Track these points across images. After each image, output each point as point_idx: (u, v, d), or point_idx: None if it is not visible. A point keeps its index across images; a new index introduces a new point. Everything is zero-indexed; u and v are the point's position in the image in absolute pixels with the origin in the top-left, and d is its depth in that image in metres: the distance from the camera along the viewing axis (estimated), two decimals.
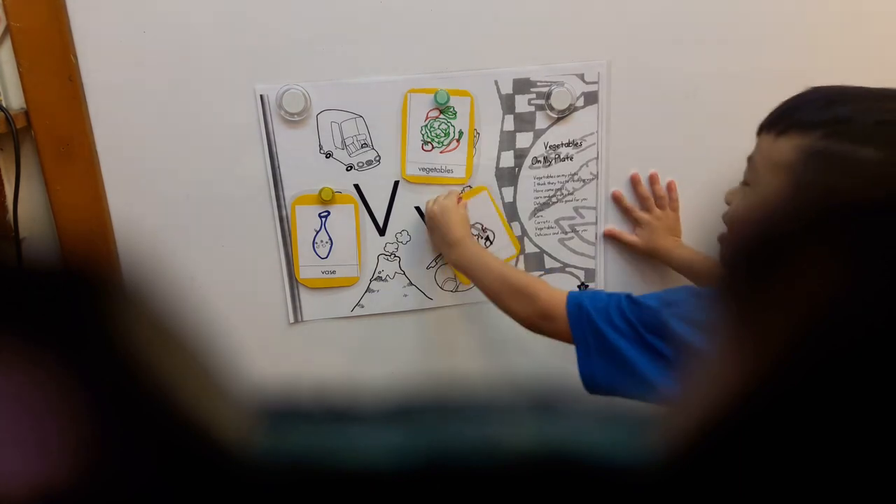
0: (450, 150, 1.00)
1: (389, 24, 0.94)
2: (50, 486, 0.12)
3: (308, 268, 1.02)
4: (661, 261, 1.04)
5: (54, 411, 0.12)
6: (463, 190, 1.02)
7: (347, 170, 0.99)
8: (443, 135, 0.99)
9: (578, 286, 1.09)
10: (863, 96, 0.60)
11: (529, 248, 1.06)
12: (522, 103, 0.99)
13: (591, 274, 1.08)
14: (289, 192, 0.99)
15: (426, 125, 0.98)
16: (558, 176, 1.03)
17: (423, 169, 1.00)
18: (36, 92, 0.91)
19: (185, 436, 0.13)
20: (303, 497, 0.13)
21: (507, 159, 1.01)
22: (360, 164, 0.99)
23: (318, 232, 1.01)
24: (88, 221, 0.95)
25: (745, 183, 0.71)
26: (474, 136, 1.00)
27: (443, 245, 0.98)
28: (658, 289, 0.97)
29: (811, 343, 0.11)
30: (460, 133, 0.99)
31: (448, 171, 1.01)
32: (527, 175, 1.02)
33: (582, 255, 1.07)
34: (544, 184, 1.03)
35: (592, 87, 1.00)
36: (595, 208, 1.05)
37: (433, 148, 0.99)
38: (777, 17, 1.00)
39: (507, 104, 0.99)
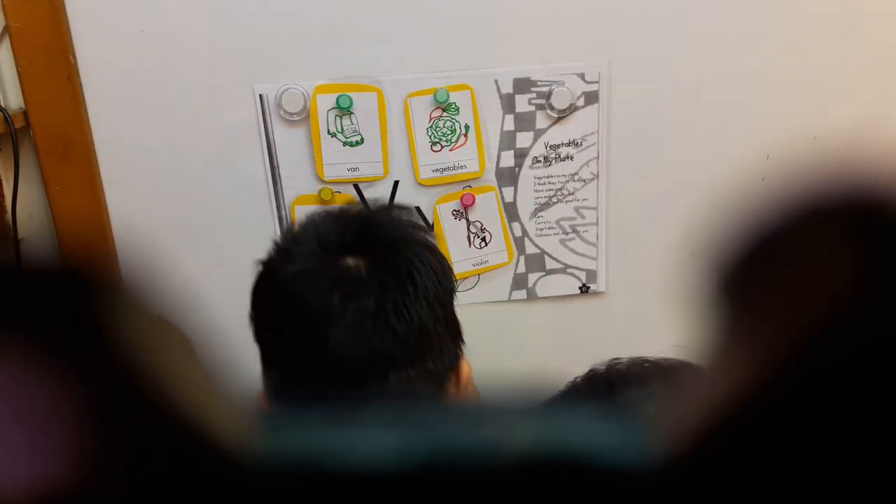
0: (459, 146, 1.00)
1: (389, 24, 0.94)
2: (47, 488, 0.12)
3: None
4: None
5: (51, 412, 0.12)
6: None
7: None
8: (449, 132, 0.99)
9: (580, 287, 1.09)
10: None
11: (530, 249, 1.06)
12: (523, 103, 0.99)
13: (592, 275, 1.08)
14: (288, 193, 0.99)
15: (431, 126, 0.98)
16: (559, 176, 1.03)
17: (437, 170, 1.00)
18: (34, 92, 0.91)
19: (183, 437, 0.13)
20: (303, 498, 0.13)
21: (507, 159, 1.01)
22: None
23: None
24: (87, 221, 0.95)
25: None
26: (481, 128, 0.99)
27: None
28: (657, 289, 0.97)
29: (816, 343, 0.11)
30: (466, 127, 0.99)
31: (461, 167, 1.01)
32: (527, 175, 1.02)
33: (583, 255, 1.07)
34: (545, 184, 1.03)
35: (593, 87, 1.00)
36: (596, 208, 1.05)
37: (442, 147, 0.99)
38: (778, 17, 1.00)
39: (508, 104, 0.99)
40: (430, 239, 0.62)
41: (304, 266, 0.57)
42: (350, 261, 0.56)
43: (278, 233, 1.01)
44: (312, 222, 0.61)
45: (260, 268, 0.63)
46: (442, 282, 0.61)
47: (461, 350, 0.65)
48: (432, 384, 0.61)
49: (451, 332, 0.64)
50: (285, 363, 0.60)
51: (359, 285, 0.55)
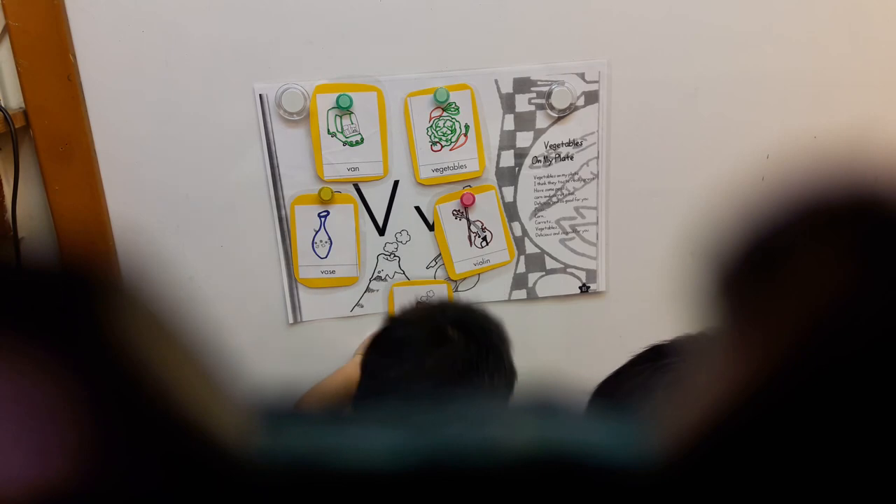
0: (459, 146, 1.00)
1: (389, 24, 0.94)
2: (49, 488, 0.12)
3: (307, 267, 1.02)
4: None
5: (52, 412, 0.12)
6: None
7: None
8: (449, 132, 0.99)
9: (580, 287, 1.08)
10: None
11: (530, 249, 1.06)
12: (523, 102, 0.99)
13: (592, 275, 1.08)
14: (288, 192, 0.99)
15: (431, 126, 0.98)
16: (559, 175, 1.03)
17: (437, 170, 1.00)
18: (35, 91, 0.91)
19: (183, 436, 0.13)
20: (302, 497, 0.13)
21: (508, 159, 1.01)
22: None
23: (317, 232, 1.01)
24: (87, 221, 0.95)
25: None
26: (481, 128, 0.99)
27: None
28: (657, 289, 0.97)
29: (815, 343, 0.11)
30: (466, 127, 0.99)
31: (461, 166, 1.01)
32: (527, 175, 1.02)
33: (583, 255, 1.07)
34: (545, 183, 1.03)
35: (593, 87, 1.00)
36: (596, 208, 1.05)
37: (442, 147, 0.99)
38: (778, 17, 1.00)
39: (508, 103, 0.99)
40: (509, 340, 0.81)
41: (411, 318, 0.77)
42: (449, 330, 0.74)
43: (278, 233, 1.01)
44: (421, 304, 0.84)
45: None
46: (511, 374, 0.78)
47: None
48: None
49: None
50: (378, 383, 0.75)
51: (450, 345, 0.72)
